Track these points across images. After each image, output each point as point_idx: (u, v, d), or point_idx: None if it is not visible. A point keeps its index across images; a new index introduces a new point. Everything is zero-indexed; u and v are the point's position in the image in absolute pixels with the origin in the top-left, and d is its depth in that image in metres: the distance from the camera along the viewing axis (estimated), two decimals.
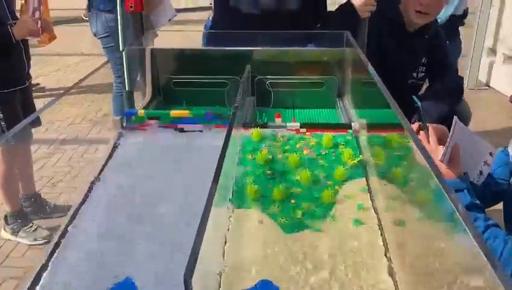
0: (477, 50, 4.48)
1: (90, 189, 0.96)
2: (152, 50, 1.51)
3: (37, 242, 2.12)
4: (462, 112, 1.71)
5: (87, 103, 3.88)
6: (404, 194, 0.83)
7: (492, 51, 4.62)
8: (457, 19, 3.10)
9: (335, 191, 0.93)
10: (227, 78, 1.50)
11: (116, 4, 2.71)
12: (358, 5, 1.46)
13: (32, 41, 2.28)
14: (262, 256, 0.76)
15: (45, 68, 5.25)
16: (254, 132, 1.15)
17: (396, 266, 0.75)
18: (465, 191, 1.03)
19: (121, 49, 1.39)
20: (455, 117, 1.03)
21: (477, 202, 1.04)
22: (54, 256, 0.79)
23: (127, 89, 1.52)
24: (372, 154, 1.03)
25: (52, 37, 2.48)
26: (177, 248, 0.79)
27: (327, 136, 1.12)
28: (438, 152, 1.04)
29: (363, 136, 1.13)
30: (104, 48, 2.93)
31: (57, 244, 0.81)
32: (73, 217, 0.88)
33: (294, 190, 0.94)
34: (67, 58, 5.64)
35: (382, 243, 0.80)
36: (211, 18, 3.00)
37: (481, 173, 1.16)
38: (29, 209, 2.29)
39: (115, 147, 1.13)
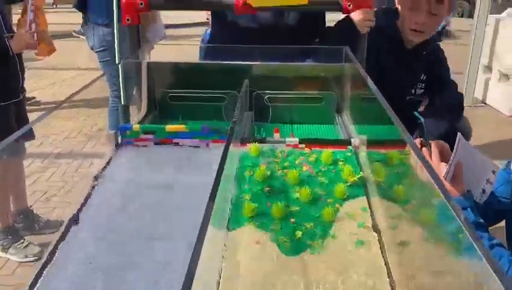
0: (473, 67, 4.50)
1: (81, 208, 0.93)
2: (148, 64, 1.49)
3: (27, 259, 2.07)
4: (462, 128, 1.70)
5: (83, 117, 3.85)
6: (407, 212, 0.81)
7: (488, 68, 4.65)
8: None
9: (335, 209, 0.90)
10: (225, 93, 1.48)
11: (113, 18, 2.72)
12: (358, 21, 1.46)
13: (28, 54, 2.27)
14: (261, 278, 0.73)
15: (41, 82, 5.24)
16: (252, 147, 1.12)
17: (398, 288, 0.72)
18: (469, 209, 1.01)
19: (116, 62, 1.37)
20: (459, 134, 1.01)
21: (481, 220, 1.01)
22: (43, 274, 0.75)
23: (122, 103, 1.50)
24: (372, 171, 1.01)
25: (52, 50, 2.47)
26: (171, 268, 0.75)
27: (326, 152, 1.10)
28: (440, 169, 1.02)
29: (363, 153, 1.11)
30: (100, 61, 2.92)
31: (46, 262, 0.78)
32: (62, 236, 0.85)
33: (293, 208, 0.91)
34: (63, 72, 5.63)
35: (384, 264, 0.77)
36: (208, 31, 3.01)
37: (484, 191, 1.14)
38: (21, 225, 2.24)
39: (108, 163, 1.10)
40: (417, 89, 1.74)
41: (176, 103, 1.51)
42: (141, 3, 1.39)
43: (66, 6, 8.46)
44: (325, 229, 0.85)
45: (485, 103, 4.61)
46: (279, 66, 1.51)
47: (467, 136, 1.78)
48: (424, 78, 1.73)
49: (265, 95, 1.50)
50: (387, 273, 0.75)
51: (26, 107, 2.27)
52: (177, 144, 1.20)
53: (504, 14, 4.63)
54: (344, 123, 1.46)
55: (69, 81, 5.36)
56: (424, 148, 1.07)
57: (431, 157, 1.05)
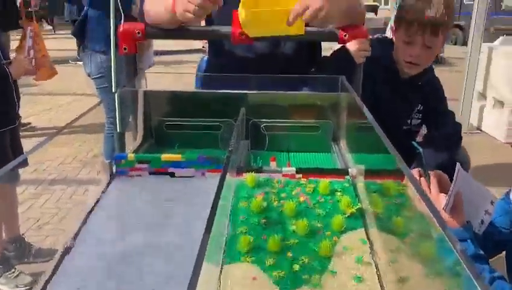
0: (467, 94, 4.55)
1: (74, 238, 0.91)
2: (145, 92, 1.49)
3: (18, 289, 2.02)
4: (461, 158, 1.70)
5: (78, 143, 3.84)
6: (406, 245, 0.79)
7: (483, 95, 4.69)
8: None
9: (333, 242, 0.88)
10: (221, 121, 1.47)
11: (111, 46, 2.74)
12: (353, 51, 1.46)
13: (24, 80, 2.28)
14: None
15: (36, 107, 5.24)
16: (248, 177, 1.11)
17: None
18: (469, 241, 0.99)
19: (113, 90, 1.37)
20: (458, 164, 1.01)
21: (481, 252, 1.00)
22: None
23: (118, 130, 1.49)
24: (370, 202, 0.99)
25: (53, 73, 2.49)
26: None
27: (324, 182, 1.09)
28: (439, 200, 1.01)
29: (361, 183, 1.09)
30: (97, 88, 2.93)
31: None
32: (56, 267, 0.83)
33: (290, 241, 0.89)
34: (59, 97, 5.65)
35: None
36: (205, 58, 3.03)
37: (482, 222, 1.13)
38: (12, 253, 2.20)
39: (102, 193, 1.08)
40: (413, 119, 1.74)
41: (172, 131, 1.50)
42: (138, 32, 1.40)
43: (64, 32, 8.56)
44: (323, 264, 0.83)
45: (481, 130, 4.64)
46: (275, 95, 1.51)
47: (466, 166, 1.78)
48: (421, 108, 1.74)
49: (262, 123, 1.50)
50: None
51: (21, 133, 2.27)
52: (172, 173, 1.19)
53: (497, 42, 4.70)
54: (341, 152, 1.45)
55: (65, 107, 5.37)
56: (422, 179, 1.06)
57: (430, 188, 1.04)
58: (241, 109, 1.36)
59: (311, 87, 1.58)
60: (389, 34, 3.36)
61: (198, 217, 0.65)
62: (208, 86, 1.72)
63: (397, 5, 3.37)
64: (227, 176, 0.83)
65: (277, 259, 0.83)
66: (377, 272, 0.82)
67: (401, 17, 1.63)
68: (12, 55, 2.30)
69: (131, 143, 1.49)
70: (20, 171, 2.19)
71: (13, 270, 2.06)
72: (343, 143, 1.46)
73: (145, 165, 1.19)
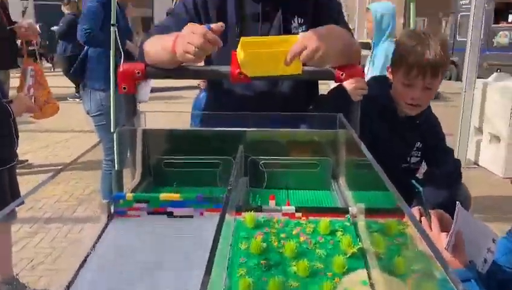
0: (464, 129, 4.58)
1: (69, 286, 0.89)
2: (144, 130, 1.49)
3: None
4: (461, 195, 1.69)
5: (75, 180, 3.82)
6: (408, 287, 0.77)
7: (479, 130, 4.73)
8: None
9: (334, 284, 0.87)
10: (220, 159, 1.47)
11: (110, 84, 2.78)
12: (350, 89, 1.48)
13: (23, 117, 2.29)
14: None
15: (34, 144, 5.24)
16: (248, 217, 1.10)
17: None
18: (473, 281, 0.98)
19: (112, 130, 1.37)
20: (458, 203, 1.00)
21: None
22: None
23: (116, 168, 1.49)
24: (371, 241, 0.98)
25: (55, 109, 2.51)
26: None
27: (324, 221, 1.07)
28: (441, 240, 1.00)
29: (362, 222, 1.08)
30: (96, 125, 2.94)
31: None
32: None
33: (291, 283, 0.87)
34: (56, 134, 5.66)
35: None
36: (201, 96, 3.06)
37: (485, 260, 1.12)
38: None
39: (99, 237, 1.06)
40: (413, 157, 1.74)
41: (171, 170, 1.50)
42: (138, 72, 1.41)
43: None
44: None
45: (478, 165, 4.65)
46: (274, 132, 1.52)
47: (467, 202, 1.77)
48: (420, 145, 1.74)
49: (261, 160, 1.50)
50: None
51: (18, 170, 2.26)
52: (171, 213, 1.18)
53: (491, 78, 4.78)
54: (340, 189, 1.44)
55: (62, 144, 5.37)
56: (423, 218, 1.05)
57: (430, 227, 1.04)
58: (240, 146, 1.36)
59: (309, 124, 1.59)
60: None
61: (197, 259, 0.64)
62: (207, 124, 1.73)
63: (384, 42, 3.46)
64: (226, 216, 0.82)
65: None
66: None
67: (399, 60, 1.64)
68: (12, 92, 2.32)
69: (129, 181, 1.49)
70: (16, 209, 2.16)
71: None
72: (342, 180, 1.46)
73: (143, 205, 1.18)
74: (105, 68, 2.86)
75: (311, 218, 1.13)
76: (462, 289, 0.53)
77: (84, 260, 0.97)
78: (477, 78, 4.71)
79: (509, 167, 4.21)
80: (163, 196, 1.19)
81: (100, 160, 2.91)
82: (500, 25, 12.44)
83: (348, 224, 1.11)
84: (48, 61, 13.90)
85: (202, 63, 1.64)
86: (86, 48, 2.99)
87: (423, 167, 1.79)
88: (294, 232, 1.06)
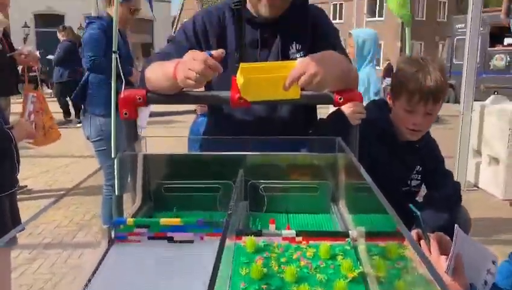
0: (463, 152, 4.60)
1: None
2: (144, 155, 1.51)
3: None
4: (461, 218, 1.70)
5: (75, 205, 3.81)
6: None
7: (478, 152, 4.74)
8: None
9: None
10: (220, 183, 1.48)
11: (111, 109, 2.81)
12: (348, 113, 1.50)
13: (22, 143, 2.30)
14: None
15: (34, 169, 5.24)
16: (248, 242, 1.10)
17: None
18: None
19: (113, 155, 1.38)
20: (456, 226, 1.01)
21: None
22: None
23: (117, 193, 1.49)
24: (372, 265, 0.98)
25: (58, 135, 2.53)
26: None
27: (324, 245, 1.08)
28: (440, 263, 1.00)
29: (362, 245, 1.08)
30: (96, 151, 2.95)
31: None
32: None
33: None
34: (56, 159, 5.67)
35: None
36: (198, 121, 3.08)
37: (486, 282, 1.12)
38: None
39: (99, 263, 1.06)
40: (413, 180, 1.75)
41: (171, 194, 1.50)
42: (139, 98, 1.43)
43: None
44: None
45: (478, 187, 4.65)
46: (273, 156, 1.53)
47: (467, 224, 1.77)
48: (420, 169, 1.75)
49: (261, 184, 1.51)
50: None
51: (18, 196, 2.26)
52: (171, 238, 1.18)
53: (488, 101, 4.82)
54: (340, 213, 1.45)
55: (62, 169, 5.38)
56: (422, 242, 1.06)
57: (430, 250, 1.04)
58: (240, 170, 1.37)
59: (308, 148, 1.60)
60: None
61: (198, 284, 0.64)
62: (207, 148, 1.74)
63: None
64: (227, 241, 0.82)
65: None
66: None
67: (400, 87, 1.66)
68: (13, 118, 2.34)
69: (130, 206, 1.49)
70: (17, 235, 2.16)
71: None
72: (342, 204, 1.46)
73: (144, 230, 1.18)
74: (105, 94, 2.90)
75: (311, 242, 1.13)
76: None
77: (86, 286, 0.97)
78: (475, 100, 4.76)
79: (508, 189, 4.20)
80: (164, 220, 1.20)
81: (100, 185, 2.91)
82: (496, 48, 12.60)
83: (348, 248, 1.11)
84: (48, 87, 14.03)
85: (203, 89, 1.66)
86: (87, 73, 3.03)
87: (423, 190, 1.80)
88: (294, 257, 1.06)
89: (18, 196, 2.28)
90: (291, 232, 1.17)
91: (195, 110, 3.11)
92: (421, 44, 29.83)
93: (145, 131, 2.91)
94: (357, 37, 3.57)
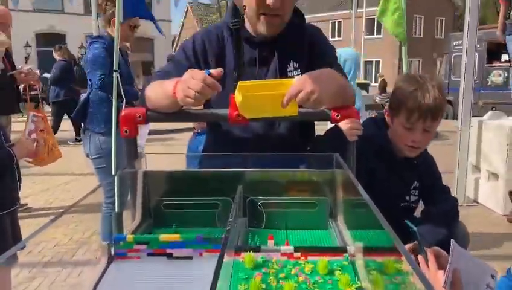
0: (461, 167, 4.61)
1: None
2: (144, 173, 1.52)
3: None
4: (459, 233, 1.70)
5: (75, 223, 3.81)
6: None
7: (477, 168, 4.75)
8: None
9: None
10: (219, 200, 1.49)
11: (111, 127, 2.83)
12: (346, 130, 1.52)
13: (22, 161, 2.32)
14: None
15: (34, 187, 5.25)
16: (246, 258, 1.11)
17: None
18: None
19: (113, 173, 1.40)
20: (452, 240, 1.02)
21: None
22: None
23: (116, 211, 1.50)
24: (370, 280, 0.99)
25: (59, 154, 2.54)
26: None
27: (323, 261, 1.09)
28: (438, 278, 1.01)
29: (360, 261, 1.09)
30: (95, 168, 2.96)
31: None
32: None
33: None
34: (57, 177, 5.66)
35: None
36: (195, 139, 3.10)
37: None
38: None
39: (99, 280, 1.07)
40: (411, 196, 1.77)
41: (171, 211, 1.51)
42: (139, 116, 1.45)
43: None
44: None
45: (477, 202, 4.64)
46: (272, 173, 1.54)
47: (465, 239, 1.78)
48: (417, 185, 1.77)
49: (259, 200, 1.52)
50: None
51: (19, 214, 2.26)
52: (170, 254, 1.19)
53: (486, 116, 4.85)
54: (338, 228, 1.46)
55: (62, 187, 5.37)
56: (420, 256, 1.07)
57: (427, 265, 1.05)
58: (239, 186, 1.39)
59: (306, 164, 1.62)
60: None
61: None
62: (206, 165, 1.76)
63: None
64: (225, 256, 0.84)
65: None
66: None
67: (399, 104, 1.69)
68: (14, 137, 2.36)
69: (129, 223, 1.50)
70: (18, 253, 2.16)
71: None
72: (340, 220, 1.47)
73: (143, 247, 1.19)
74: (106, 112, 2.92)
75: (309, 258, 1.14)
76: None
77: None
78: (474, 116, 4.78)
79: (508, 204, 4.20)
80: (163, 237, 1.21)
81: (100, 203, 2.91)
82: (493, 64, 12.69)
83: (346, 263, 1.12)
84: (49, 106, 14.08)
85: (202, 107, 1.68)
86: (88, 91, 3.05)
87: (421, 206, 1.81)
88: (293, 272, 1.07)
89: (18, 214, 2.29)
90: (290, 248, 1.18)
91: (193, 127, 3.14)
92: (419, 61, 30.09)
93: (143, 149, 2.93)
94: (338, 56, 3.63)
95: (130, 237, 1.21)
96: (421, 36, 30.94)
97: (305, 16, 1.72)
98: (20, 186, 2.13)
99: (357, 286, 1.00)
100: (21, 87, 4.61)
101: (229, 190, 1.40)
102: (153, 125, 3.06)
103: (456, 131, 4.65)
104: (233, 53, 1.64)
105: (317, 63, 1.54)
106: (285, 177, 1.54)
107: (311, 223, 1.52)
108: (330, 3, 31.28)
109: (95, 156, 2.95)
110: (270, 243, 1.28)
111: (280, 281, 1.03)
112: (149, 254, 1.19)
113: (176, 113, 1.48)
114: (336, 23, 31.92)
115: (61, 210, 3.80)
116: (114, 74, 2.79)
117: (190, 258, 1.18)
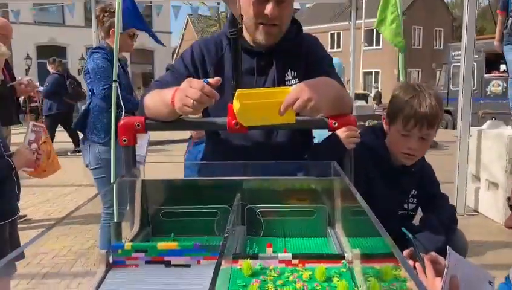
0: (461, 177, 4.60)
1: None
2: (143, 181, 1.52)
3: None
4: (458, 241, 1.70)
5: (74, 234, 3.80)
6: None
7: (476, 177, 4.74)
8: None
9: None
10: (217, 208, 1.49)
11: (110, 137, 2.84)
12: (343, 137, 1.53)
13: (21, 172, 2.32)
14: None
15: (34, 199, 5.24)
16: (244, 265, 1.11)
17: None
18: None
19: (112, 181, 1.40)
20: (449, 247, 1.02)
21: None
22: None
23: (115, 220, 1.50)
24: (368, 287, 0.99)
25: (58, 166, 2.54)
26: None
27: (320, 268, 1.09)
28: (435, 284, 1.01)
29: (358, 267, 1.09)
30: (95, 178, 2.97)
31: None
32: None
33: None
34: (56, 189, 5.66)
35: None
36: (193, 148, 3.11)
37: None
38: None
39: (97, 288, 1.07)
40: (410, 204, 1.77)
41: (169, 219, 1.51)
42: (138, 125, 1.46)
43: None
44: None
45: (477, 212, 4.64)
46: (270, 180, 1.54)
47: (462, 250, 1.78)
48: (415, 192, 1.77)
49: (258, 208, 1.52)
50: None
51: (18, 225, 2.26)
52: (168, 262, 1.19)
53: (485, 126, 4.86)
54: (337, 236, 1.46)
55: (62, 198, 5.37)
56: (417, 264, 1.07)
57: (425, 272, 1.05)
58: (237, 194, 1.39)
59: (304, 172, 1.62)
60: None
61: None
62: (204, 174, 1.76)
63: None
64: (223, 264, 0.84)
65: None
66: None
67: (395, 112, 1.71)
68: (14, 148, 2.36)
69: (128, 232, 1.50)
70: (16, 264, 2.15)
71: None
72: (338, 227, 1.47)
73: (141, 254, 1.19)
74: (105, 122, 2.93)
75: (307, 265, 1.14)
76: None
77: None
78: (474, 126, 4.79)
79: (508, 214, 4.19)
80: (161, 245, 1.21)
81: (99, 214, 2.91)
82: (492, 74, 12.75)
83: (344, 270, 1.12)
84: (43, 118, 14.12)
85: (200, 115, 1.69)
86: (88, 102, 3.07)
87: (419, 213, 1.81)
88: (291, 279, 1.07)
89: (18, 225, 2.29)
90: (288, 255, 1.17)
91: (191, 136, 3.14)
92: (418, 71, 30.22)
93: (145, 158, 2.93)
94: None
95: (128, 245, 1.21)
96: (420, 47, 31.13)
97: (304, 28, 1.74)
98: (19, 196, 2.13)
99: None
100: (21, 99, 4.63)
101: (227, 198, 1.41)
102: (153, 136, 3.08)
103: (455, 141, 4.65)
104: (232, 62, 1.65)
105: (314, 72, 1.55)
106: (283, 185, 1.54)
107: (309, 231, 1.52)
108: (329, 15, 31.53)
109: (95, 167, 2.95)
110: (269, 251, 1.28)
111: (278, 288, 1.02)
112: (147, 262, 1.19)
113: (174, 121, 1.49)
114: (335, 34, 32.12)
115: (57, 220, 3.80)
116: (113, 84, 2.80)
117: (188, 266, 1.18)
